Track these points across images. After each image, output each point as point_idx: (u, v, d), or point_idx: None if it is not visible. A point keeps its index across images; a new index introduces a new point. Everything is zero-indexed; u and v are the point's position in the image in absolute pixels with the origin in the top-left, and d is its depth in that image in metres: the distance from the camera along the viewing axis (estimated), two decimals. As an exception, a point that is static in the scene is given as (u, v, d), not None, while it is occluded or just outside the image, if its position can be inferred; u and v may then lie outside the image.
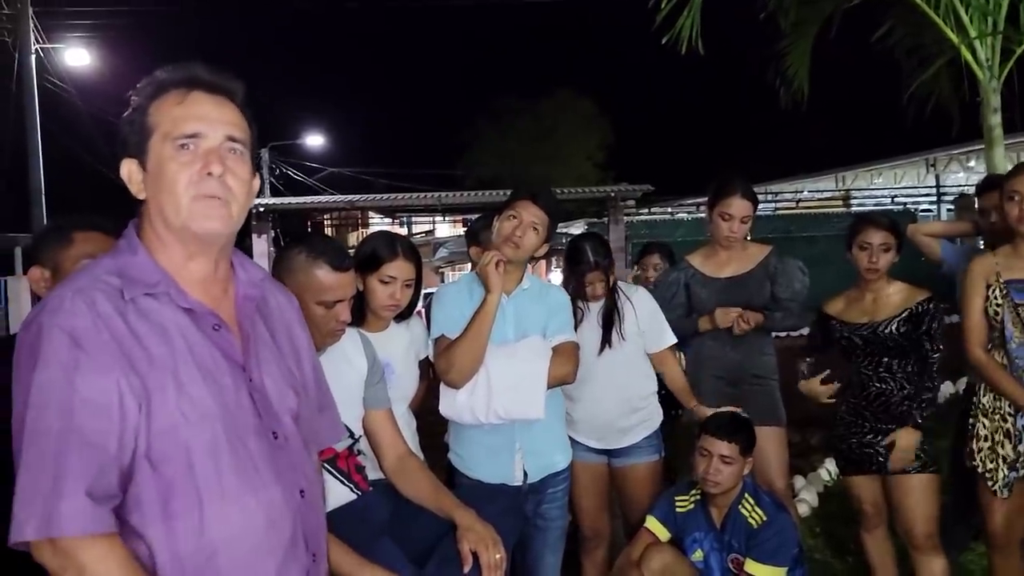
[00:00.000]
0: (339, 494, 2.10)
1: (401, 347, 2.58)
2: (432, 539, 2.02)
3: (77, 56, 15.69)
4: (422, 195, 15.49)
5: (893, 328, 2.86)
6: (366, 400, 2.19)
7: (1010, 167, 2.98)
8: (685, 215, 16.84)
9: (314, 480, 1.46)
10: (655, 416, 3.05)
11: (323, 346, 2.12)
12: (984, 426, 2.72)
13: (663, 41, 6.06)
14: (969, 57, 5.81)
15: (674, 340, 3.07)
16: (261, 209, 14.30)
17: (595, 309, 3.00)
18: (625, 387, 2.97)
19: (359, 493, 2.14)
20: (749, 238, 3.32)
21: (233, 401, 1.30)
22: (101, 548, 1.16)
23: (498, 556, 1.89)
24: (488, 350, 2.51)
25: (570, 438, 2.87)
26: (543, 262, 21.42)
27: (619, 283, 3.07)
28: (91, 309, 1.20)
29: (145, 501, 1.21)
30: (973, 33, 5.73)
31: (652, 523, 2.89)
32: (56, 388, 1.16)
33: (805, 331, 3.25)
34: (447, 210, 16.49)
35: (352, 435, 2.16)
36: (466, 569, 1.88)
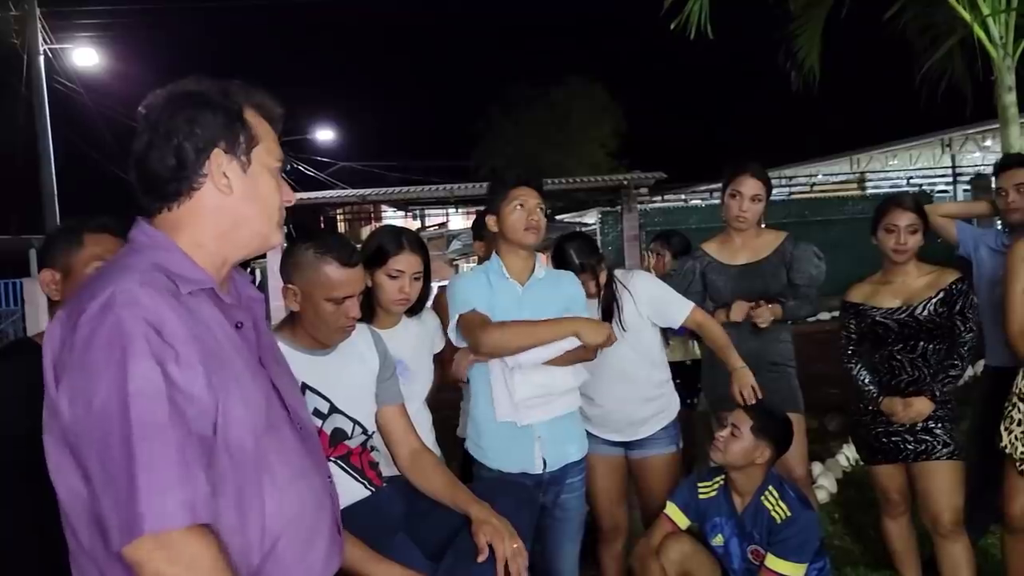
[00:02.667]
0: (353, 490, 2.11)
1: (413, 342, 2.59)
2: (447, 534, 2.02)
3: (86, 56, 15.75)
4: (434, 187, 15.45)
5: (931, 309, 2.83)
6: (378, 396, 2.19)
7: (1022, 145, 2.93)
8: (699, 202, 16.77)
9: (329, 470, 1.52)
10: (672, 406, 3.03)
11: (333, 343, 2.12)
12: (1020, 410, 2.69)
13: (672, 27, 6.02)
14: (982, 35, 5.71)
15: (691, 304, 2.97)
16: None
17: (594, 304, 2.96)
18: (635, 377, 2.94)
19: (372, 489, 2.15)
20: (764, 224, 3.29)
21: (268, 395, 1.34)
22: (207, 538, 1.15)
23: (515, 546, 1.90)
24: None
25: (587, 432, 2.87)
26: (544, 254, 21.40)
27: (616, 272, 3.02)
28: (166, 301, 1.19)
29: (221, 491, 1.21)
30: (986, 10, 5.64)
31: (672, 510, 2.89)
32: (156, 379, 1.14)
33: (823, 316, 3.21)
34: (460, 202, 16.45)
35: (365, 431, 2.16)
36: (481, 559, 1.88)
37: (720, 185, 3.33)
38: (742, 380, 2.81)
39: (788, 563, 2.64)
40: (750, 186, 3.16)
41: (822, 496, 4.34)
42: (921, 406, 2.81)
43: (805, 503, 2.79)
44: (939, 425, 2.82)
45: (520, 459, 2.57)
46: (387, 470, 2.25)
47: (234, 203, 1.32)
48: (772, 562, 2.66)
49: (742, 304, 3.14)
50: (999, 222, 3.67)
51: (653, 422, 2.97)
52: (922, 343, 2.85)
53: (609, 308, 2.93)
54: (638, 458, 2.99)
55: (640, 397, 2.95)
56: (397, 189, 16.14)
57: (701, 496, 2.89)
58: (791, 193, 18.24)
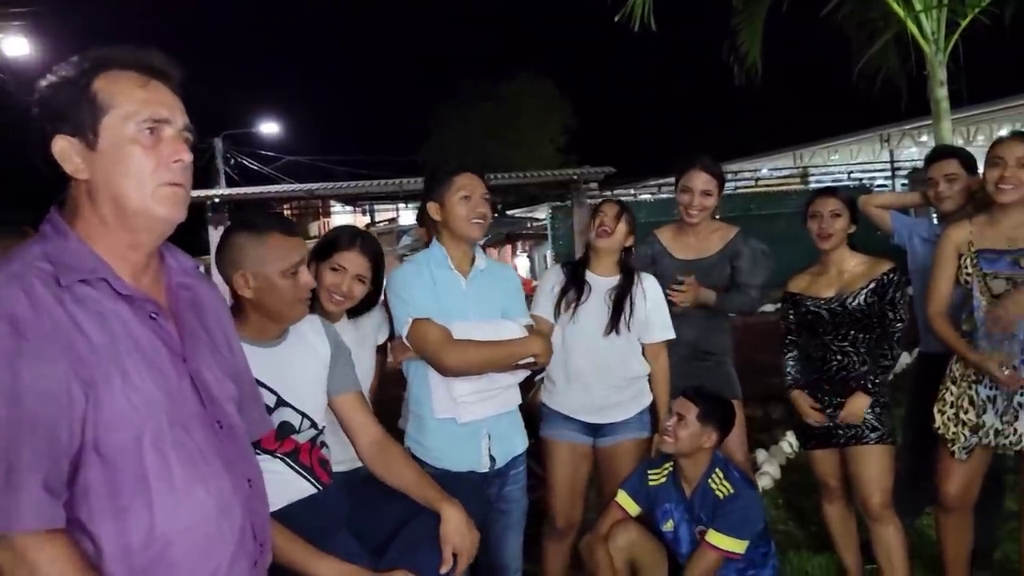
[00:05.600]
0: (299, 488, 2.06)
1: (350, 343, 2.55)
2: (393, 529, 2.01)
3: (16, 46, 15.15)
4: (384, 182, 15.33)
5: (861, 300, 2.90)
6: (332, 384, 2.14)
7: (960, 140, 3.02)
8: (648, 196, 16.92)
9: (259, 469, 1.46)
10: (646, 395, 3.04)
11: (293, 319, 2.06)
12: (952, 392, 2.78)
13: (615, 19, 6.06)
14: (915, 30, 5.88)
15: (671, 336, 3.03)
16: (217, 200, 14.05)
17: (603, 286, 2.96)
18: (625, 367, 2.96)
19: (320, 487, 2.11)
20: (718, 216, 3.34)
21: (177, 390, 1.27)
22: (54, 546, 1.12)
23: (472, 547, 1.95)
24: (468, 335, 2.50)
25: (559, 414, 2.91)
26: (508, 247, 21.39)
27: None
28: (29, 295, 1.15)
29: (93, 495, 1.18)
30: (919, 6, 5.80)
31: (622, 497, 2.92)
32: (0, 377, 1.11)
33: (767, 308, 3.27)
34: (409, 197, 16.35)
35: (315, 425, 2.12)
36: (444, 570, 1.91)
37: (669, 179, 3.38)
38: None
39: (729, 538, 2.69)
40: (701, 181, 3.19)
41: (766, 483, 4.42)
42: (856, 404, 2.87)
43: (748, 483, 2.86)
44: (869, 411, 2.89)
45: (467, 458, 2.54)
46: (334, 466, 2.21)
47: (103, 183, 1.25)
48: (712, 536, 2.71)
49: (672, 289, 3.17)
50: (934, 213, 3.77)
51: (629, 406, 2.98)
52: (853, 332, 2.92)
53: (621, 301, 2.94)
54: (608, 444, 2.98)
55: (624, 382, 2.96)
56: (345, 184, 15.97)
57: (651, 483, 2.92)
58: (736, 187, 18.53)
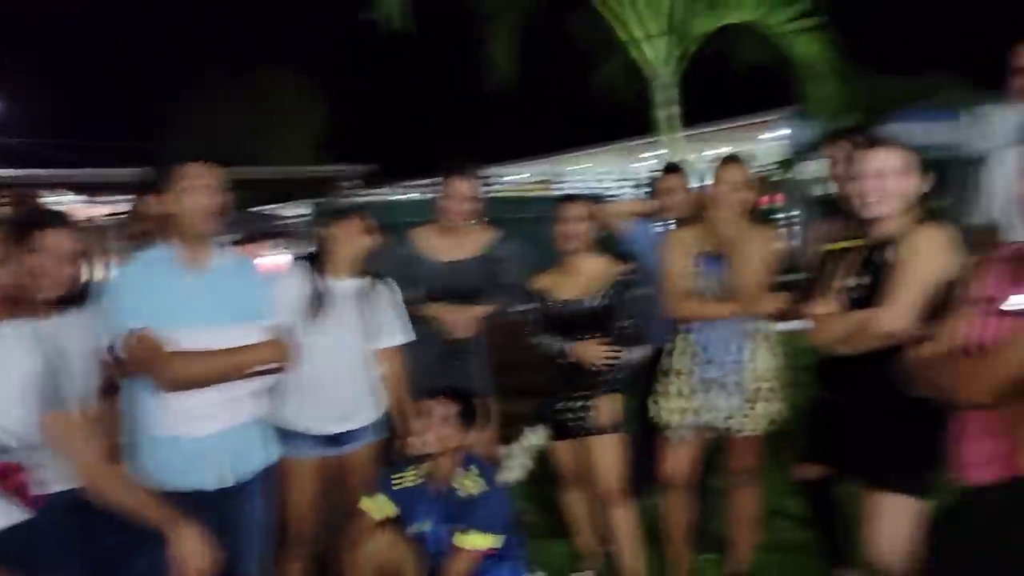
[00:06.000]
0: (6, 514, 1.82)
1: (75, 338, 2.26)
2: (125, 550, 1.84)
3: None
4: (119, 171, 13.99)
5: (599, 302, 3.08)
6: (45, 400, 1.91)
7: (692, 155, 3.33)
8: (413, 195, 16.95)
9: None
10: (383, 397, 3.00)
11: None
12: (667, 382, 3.05)
13: (359, 16, 5.99)
14: (643, 54, 6.44)
15: (409, 338, 3.01)
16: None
17: (344, 290, 2.86)
18: (367, 371, 2.91)
19: (27, 513, 1.87)
20: (484, 220, 3.41)
21: None
22: None
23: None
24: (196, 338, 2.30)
25: (293, 432, 2.75)
26: (257, 244, 20.32)
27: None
28: None
29: None
30: (644, 33, 6.35)
31: (367, 504, 2.87)
32: None
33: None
34: (131, 186, 15.03)
35: (19, 445, 1.86)
36: None
37: (432, 180, 3.40)
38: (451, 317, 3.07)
39: (483, 536, 2.74)
40: (464, 187, 3.24)
41: (515, 476, 4.59)
42: (608, 406, 3.08)
43: (496, 478, 2.94)
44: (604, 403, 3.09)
45: (197, 476, 2.34)
46: (59, 485, 1.98)
47: None
48: (466, 538, 2.74)
49: (456, 318, 3.22)
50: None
51: (370, 411, 2.92)
52: (589, 331, 3.11)
53: (364, 300, 2.88)
54: (347, 452, 2.89)
55: (364, 387, 2.90)
56: (76, 171, 14.37)
57: (398, 486, 2.90)
58: (490, 191, 19.14)
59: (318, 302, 2.80)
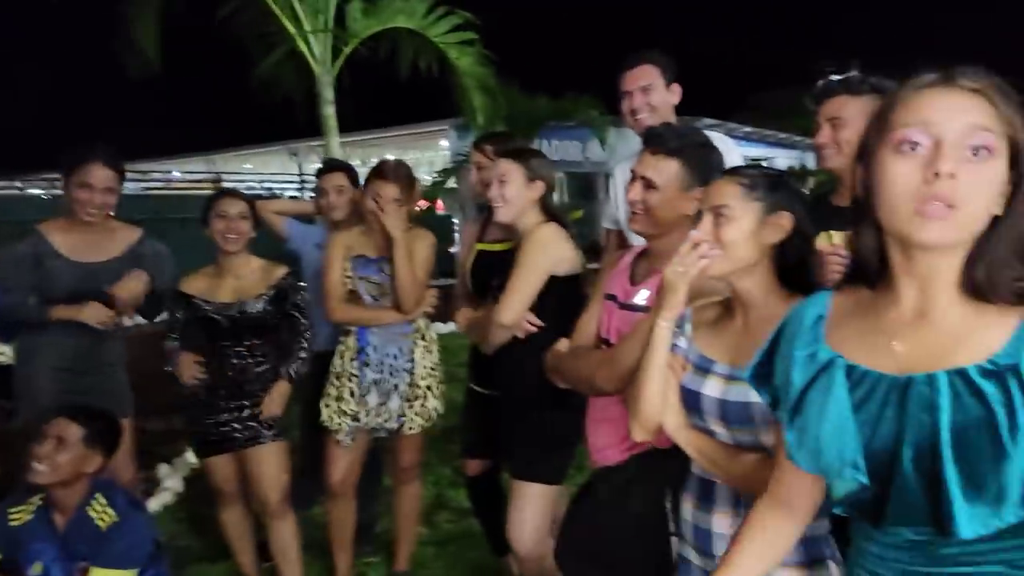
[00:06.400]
0: None
1: None
2: None
3: None
4: None
5: (260, 306, 2.91)
6: None
7: (357, 161, 3.27)
8: (39, 192, 14.85)
9: None
10: None
11: None
12: (335, 386, 2.97)
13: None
14: (305, 50, 6.31)
15: None
16: None
17: None
18: None
19: None
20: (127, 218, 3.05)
21: None
22: None
23: None
24: None
25: None
26: None
27: None
28: None
29: None
30: (308, 27, 6.24)
31: None
32: None
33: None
34: None
35: None
36: None
37: (62, 172, 2.97)
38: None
39: (114, 571, 2.45)
40: (101, 177, 2.91)
41: (167, 498, 4.21)
42: (279, 391, 2.95)
43: (135, 504, 2.63)
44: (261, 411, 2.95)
45: None
46: None
47: None
48: (96, 573, 2.43)
49: (99, 310, 2.88)
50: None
51: None
52: (251, 338, 2.96)
53: None
54: None
55: None
56: None
57: (13, 523, 2.48)
58: (147, 189, 17.52)
59: None
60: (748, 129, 24.31)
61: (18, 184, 15.17)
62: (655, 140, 1.96)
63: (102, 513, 2.50)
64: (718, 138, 2.75)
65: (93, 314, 2.87)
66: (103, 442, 2.55)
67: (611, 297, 2.05)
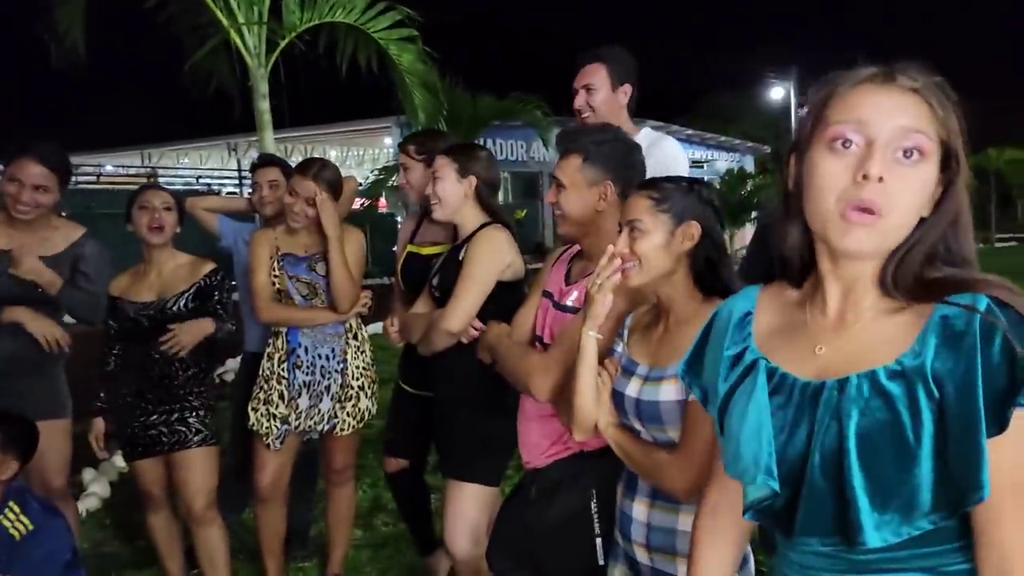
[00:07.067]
0: None
1: None
2: None
3: None
4: None
5: (182, 304, 2.82)
6: None
7: (296, 157, 3.19)
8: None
9: None
10: None
11: None
12: (263, 389, 2.90)
13: None
14: (239, 42, 6.17)
15: None
16: None
17: None
18: None
19: None
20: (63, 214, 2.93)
21: None
22: None
23: None
24: None
25: None
26: None
27: None
28: None
29: None
30: (241, 19, 6.10)
31: None
32: None
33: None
34: None
35: None
36: None
37: None
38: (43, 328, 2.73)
39: None
40: (34, 174, 2.81)
41: (93, 503, 4.08)
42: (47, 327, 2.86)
43: (51, 511, 2.52)
44: (193, 414, 2.86)
45: None
46: None
47: None
48: None
49: (42, 322, 2.85)
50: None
51: None
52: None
53: None
54: None
55: None
56: None
57: None
58: (77, 183, 16.97)
59: None
60: (690, 132, 24.79)
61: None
62: (562, 140, 2.02)
63: (16, 522, 2.40)
64: (667, 141, 2.78)
65: (43, 328, 2.84)
66: (17, 447, 2.44)
67: (548, 295, 2.07)
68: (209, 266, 2.95)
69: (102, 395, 2.92)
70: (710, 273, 1.64)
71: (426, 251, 2.87)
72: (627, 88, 2.75)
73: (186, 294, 2.86)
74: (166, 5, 6.26)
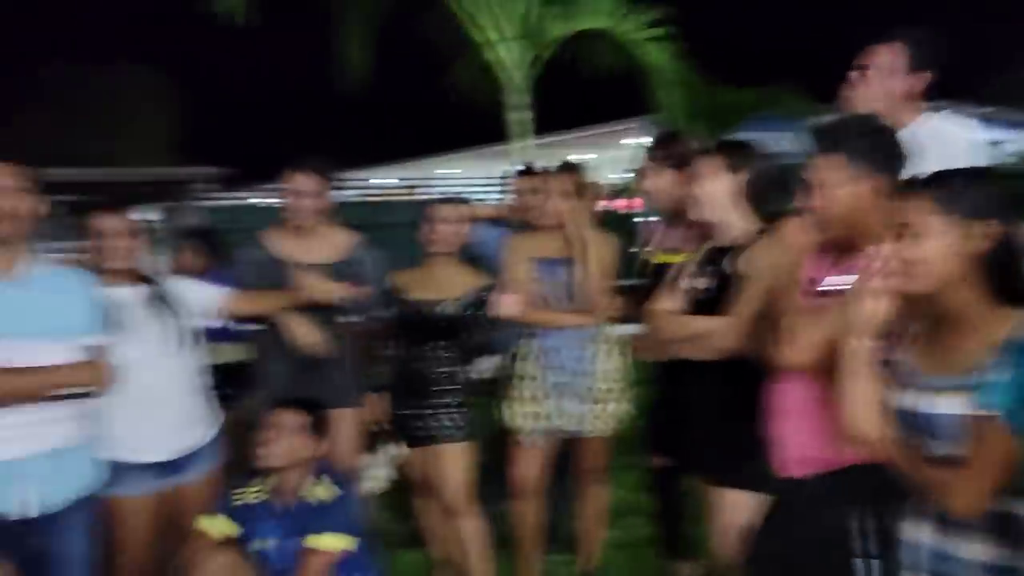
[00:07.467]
0: None
1: None
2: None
3: None
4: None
5: (450, 309, 3.03)
6: None
7: (549, 160, 3.29)
8: (268, 200, 16.41)
9: None
10: (215, 414, 2.84)
11: None
12: (518, 388, 3.03)
13: (209, 11, 5.76)
14: (496, 58, 6.48)
15: (227, 289, 2.89)
16: None
17: (132, 297, 2.63)
18: (188, 381, 2.74)
19: None
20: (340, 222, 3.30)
21: None
22: None
23: None
24: None
25: (124, 465, 2.53)
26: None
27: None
28: None
29: None
30: (498, 36, 6.40)
31: (205, 523, 2.70)
32: None
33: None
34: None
35: None
36: None
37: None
38: (303, 336, 2.94)
39: (338, 537, 2.64)
40: (304, 182, 3.12)
41: (376, 485, 4.47)
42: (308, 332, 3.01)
43: (350, 483, 2.85)
44: (447, 411, 3.05)
45: None
46: None
47: None
48: (319, 540, 2.63)
49: (308, 331, 3.08)
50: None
51: (200, 430, 2.74)
52: (434, 338, 3.07)
53: (161, 301, 2.68)
54: (187, 482, 2.70)
55: (190, 397, 2.74)
56: None
57: (240, 503, 2.75)
58: (352, 196, 18.81)
59: (111, 314, 2.53)
60: (988, 109, 21.96)
61: (246, 195, 16.79)
62: (818, 137, 1.88)
63: (322, 490, 2.72)
64: (951, 127, 2.47)
65: (302, 334, 3.05)
66: (318, 430, 2.78)
67: (807, 282, 1.97)
68: (483, 279, 3.11)
69: (378, 383, 3.19)
70: (1004, 276, 1.45)
71: (669, 259, 2.81)
72: (923, 75, 2.46)
73: (456, 301, 3.06)
74: (431, 28, 6.76)
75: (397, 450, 4.86)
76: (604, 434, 3.04)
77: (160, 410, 2.63)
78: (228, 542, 2.73)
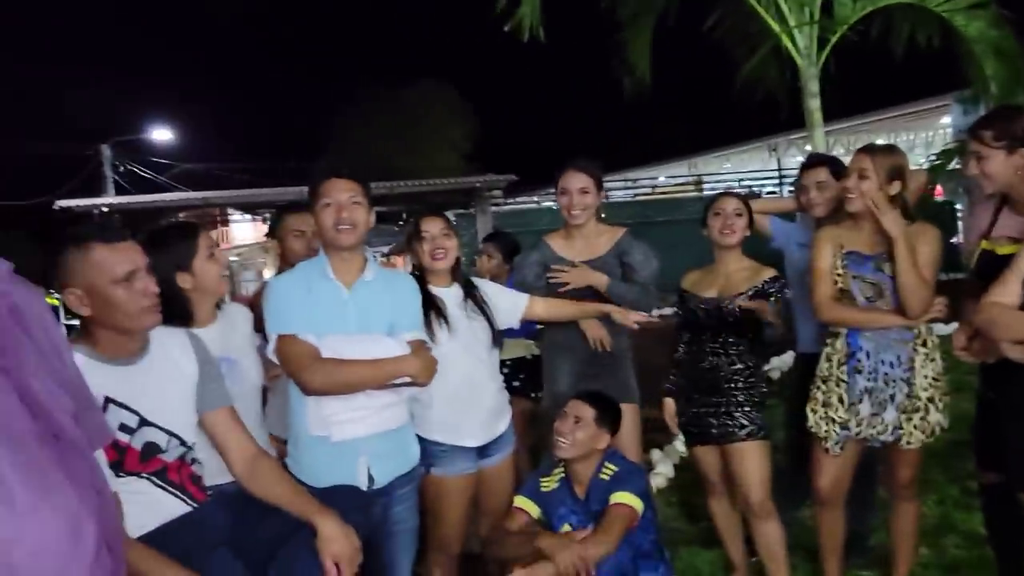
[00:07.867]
0: (171, 507, 1.99)
1: (239, 334, 2.51)
2: (271, 546, 1.95)
3: None
4: (282, 190, 14.96)
5: (738, 304, 2.99)
6: (201, 402, 2.08)
7: (840, 150, 3.14)
8: (550, 204, 17.14)
9: (105, 480, 1.39)
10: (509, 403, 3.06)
11: (142, 329, 1.98)
12: (822, 391, 2.88)
13: (505, 29, 6.14)
14: (789, 45, 6.21)
15: (527, 294, 3.09)
16: (105, 209, 13.42)
17: (451, 297, 2.89)
18: (497, 373, 2.99)
19: (194, 504, 2.04)
20: (604, 216, 3.39)
21: (3, 406, 1.18)
22: None
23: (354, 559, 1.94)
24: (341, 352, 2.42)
25: (446, 447, 2.79)
26: (399, 257, 21.09)
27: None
28: None
29: None
30: (792, 22, 6.13)
31: (521, 501, 2.90)
32: None
33: (667, 311, 3.33)
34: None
35: (184, 443, 2.05)
36: None
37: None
38: (593, 332, 3.11)
39: (633, 496, 2.73)
40: (576, 180, 3.20)
41: (660, 482, 4.52)
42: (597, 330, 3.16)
43: (636, 465, 2.93)
44: (739, 409, 2.99)
45: (342, 476, 2.41)
46: (216, 478, 2.16)
47: None
48: (618, 496, 2.72)
49: (595, 328, 3.20)
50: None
51: (505, 416, 2.97)
52: (724, 334, 3.02)
53: (479, 301, 2.94)
54: (492, 465, 2.93)
55: (499, 386, 2.98)
56: (242, 192, 15.48)
57: (543, 489, 2.92)
58: (635, 195, 18.99)
59: (435, 312, 2.83)
60: None
61: (535, 198, 17.68)
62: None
63: (610, 471, 2.83)
64: None
65: (592, 331, 3.17)
66: (608, 423, 2.89)
67: None
68: (770, 272, 3.05)
69: (672, 378, 3.22)
70: None
71: (1004, 250, 2.51)
72: None
73: (743, 295, 3.01)
74: (720, 22, 6.66)
75: (680, 446, 4.89)
76: (915, 446, 2.79)
77: (477, 400, 2.87)
78: (534, 523, 2.93)
